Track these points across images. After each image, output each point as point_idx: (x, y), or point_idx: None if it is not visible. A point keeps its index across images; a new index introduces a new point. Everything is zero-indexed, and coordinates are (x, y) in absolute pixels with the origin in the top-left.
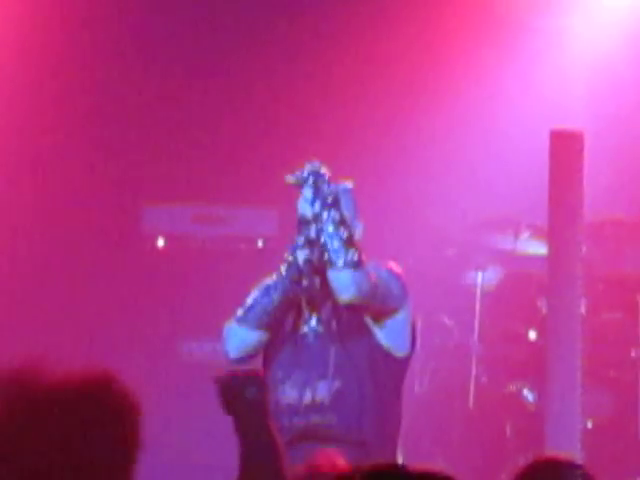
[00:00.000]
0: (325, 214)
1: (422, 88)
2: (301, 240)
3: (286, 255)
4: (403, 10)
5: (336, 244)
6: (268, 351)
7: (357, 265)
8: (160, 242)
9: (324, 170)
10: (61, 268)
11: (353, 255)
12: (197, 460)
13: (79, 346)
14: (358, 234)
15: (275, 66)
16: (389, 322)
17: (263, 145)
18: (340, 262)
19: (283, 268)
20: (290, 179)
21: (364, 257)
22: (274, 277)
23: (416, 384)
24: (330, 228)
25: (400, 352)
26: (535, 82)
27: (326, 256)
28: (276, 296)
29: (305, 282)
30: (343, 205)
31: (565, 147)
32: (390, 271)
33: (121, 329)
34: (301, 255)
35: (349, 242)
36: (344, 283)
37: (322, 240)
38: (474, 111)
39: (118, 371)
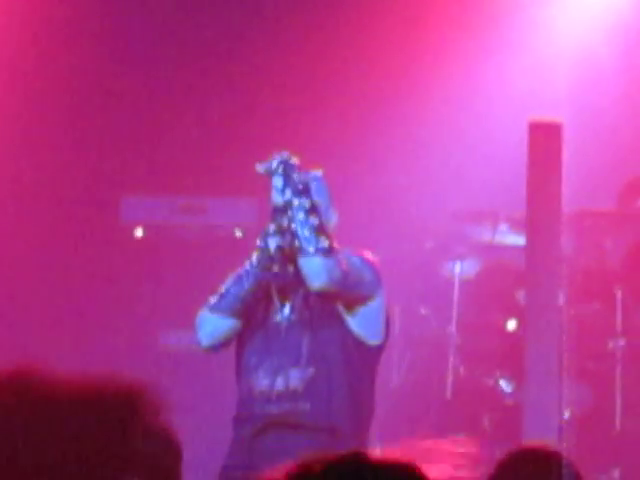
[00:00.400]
0: (296, 201)
1: (403, 81)
2: (272, 228)
3: (258, 242)
4: (386, 5)
5: (307, 232)
6: (241, 338)
7: (328, 252)
8: (138, 232)
9: (294, 160)
10: (38, 259)
11: (324, 242)
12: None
13: (57, 337)
14: (333, 222)
15: (255, 58)
16: (362, 310)
17: (242, 135)
18: (311, 249)
19: (254, 255)
20: (260, 168)
21: (336, 245)
22: (246, 265)
23: (394, 374)
24: (300, 215)
25: (373, 340)
26: (514, 74)
27: (297, 243)
28: (248, 284)
29: (276, 269)
30: (316, 193)
31: (544, 138)
32: (363, 259)
33: (99, 319)
34: (272, 242)
35: (320, 229)
36: (315, 270)
37: (293, 227)
38: (454, 103)
39: (97, 361)
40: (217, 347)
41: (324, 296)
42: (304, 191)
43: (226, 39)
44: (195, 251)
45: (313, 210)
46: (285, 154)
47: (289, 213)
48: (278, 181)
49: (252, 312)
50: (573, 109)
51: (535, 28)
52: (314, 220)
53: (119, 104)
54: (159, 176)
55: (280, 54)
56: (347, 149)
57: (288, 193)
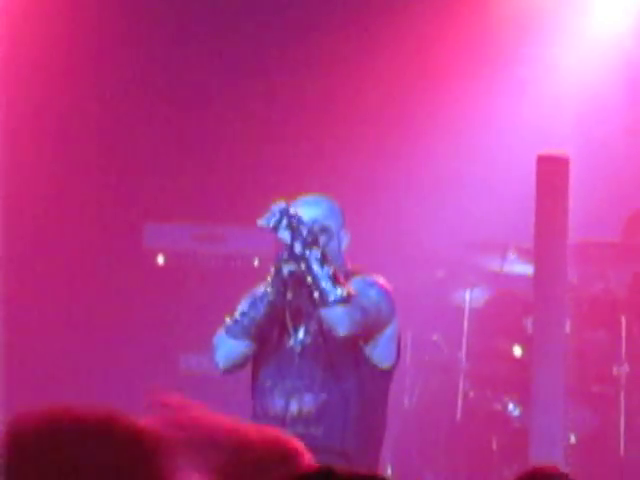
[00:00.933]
0: (307, 253)
1: (417, 115)
2: (285, 254)
3: (271, 268)
4: (403, 40)
5: (324, 283)
6: (256, 361)
7: (347, 300)
8: (160, 259)
9: (293, 210)
10: (63, 283)
11: (342, 291)
12: None
13: (80, 359)
14: (345, 244)
15: (274, 92)
16: (378, 337)
17: (260, 168)
18: (331, 299)
19: (269, 280)
20: (262, 223)
21: (351, 290)
22: (261, 289)
23: (405, 398)
24: (315, 267)
25: (386, 364)
26: (524, 109)
27: (316, 295)
28: (262, 307)
29: (290, 295)
30: (330, 217)
31: (551, 171)
32: (378, 288)
33: (121, 343)
34: (286, 268)
35: (335, 279)
36: (338, 319)
37: (309, 280)
38: (465, 137)
39: (119, 384)
40: (232, 369)
41: (348, 339)
42: (314, 242)
43: (245, 74)
44: (214, 278)
45: (325, 259)
46: (283, 205)
47: (302, 265)
48: (285, 235)
49: (267, 335)
50: (579, 143)
51: (543, 65)
52: (328, 269)
53: (144, 135)
54: (181, 204)
55: (298, 87)
56: (363, 178)
57: (298, 247)
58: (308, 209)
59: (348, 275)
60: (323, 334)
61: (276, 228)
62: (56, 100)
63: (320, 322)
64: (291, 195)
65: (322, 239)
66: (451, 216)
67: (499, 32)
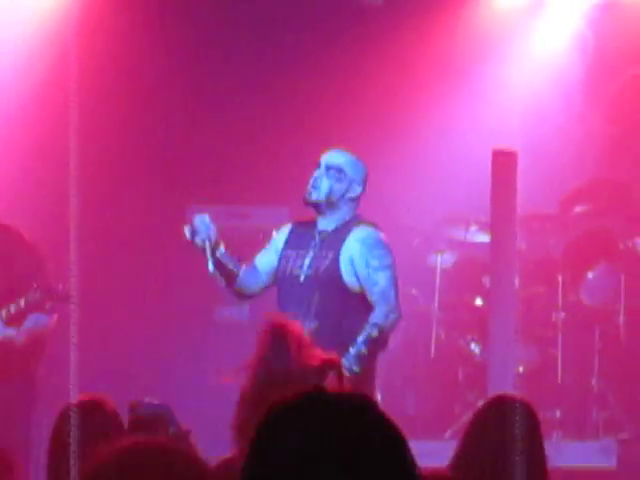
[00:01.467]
0: None
1: (398, 116)
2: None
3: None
4: (390, 60)
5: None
6: (278, 287)
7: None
8: None
9: None
10: (119, 255)
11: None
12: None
13: (135, 319)
14: (355, 194)
15: (299, 99)
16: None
17: (278, 158)
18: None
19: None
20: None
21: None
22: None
23: (390, 340)
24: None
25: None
26: (481, 114)
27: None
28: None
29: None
30: (348, 165)
31: (503, 162)
32: (382, 250)
33: (169, 301)
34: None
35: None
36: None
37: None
38: (436, 134)
39: (168, 335)
40: (247, 295)
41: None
42: None
43: (278, 80)
44: (242, 246)
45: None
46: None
47: None
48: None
49: (284, 265)
50: (525, 140)
51: (497, 79)
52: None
53: (188, 129)
54: (216, 188)
55: (314, 91)
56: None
57: None
58: (336, 155)
59: (355, 221)
60: (323, 269)
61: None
62: (118, 107)
63: (321, 259)
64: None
65: (334, 177)
66: (425, 197)
67: (462, 53)
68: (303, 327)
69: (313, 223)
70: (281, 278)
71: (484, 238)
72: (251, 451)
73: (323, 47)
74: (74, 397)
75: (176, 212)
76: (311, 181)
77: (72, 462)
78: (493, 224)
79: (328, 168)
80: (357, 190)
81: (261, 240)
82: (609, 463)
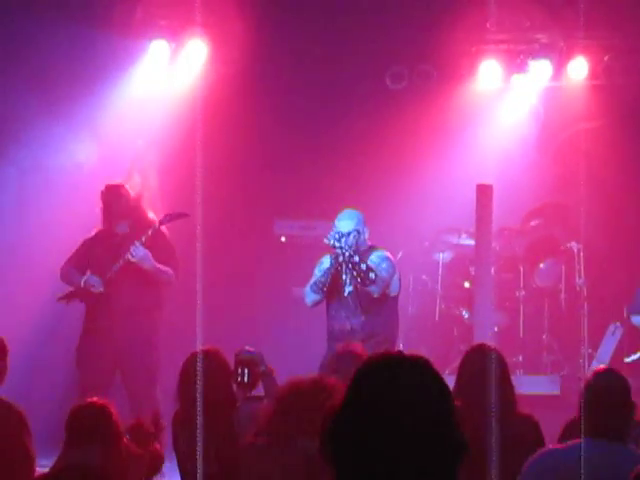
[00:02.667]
0: (350, 258)
1: (411, 164)
2: (338, 244)
3: (332, 254)
4: (401, 128)
5: (362, 273)
6: (328, 300)
7: (374, 280)
8: (283, 239)
9: (341, 241)
10: (225, 256)
11: (372, 274)
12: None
13: (237, 298)
14: (367, 234)
15: (345, 146)
16: (390, 283)
17: (340, 185)
18: (367, 283)
19: (330, 260)
20: (325, 241)
21: (376, 273)
22: (326, 261)
23: (409, 308)
24: (356, 266)
25: (394, 293)
26: (468, 161)
27: (359, 280)
28: (328, 276)
29: (343, 270)
30: (358, 224)
31: (483, 192)
32: (387, 260)
33: (259, 287)
34: (340, 257)
35: (367, 269)
36: (373, 291)
37: (354, 273)
38: (438, 175)
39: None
40: (314, 306)
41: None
42: (354, 253)
43: (341, 134)
44: (311, 250)
45: (360, 261)
46: (337, 235)
47: (350, 265)
48: (337, 249)
49: (332, 287)
50: (497, 177)
51: (478, 137)
52: (364, 265)
53: (275, 160)
54: (295, 207)
55: (358, 146)
56: (384, 193)
57: (345, 256)
58: (347, 222)
59: (371, 249)
60: (357, 287)
61: (332, 245)
62: (228, 148)
63: (356, 280)
64: (349, 196)
65: (355, 237)
66: (432, 216)
67: (453, 120)
68: (354, 321)
69: None
70: (332, 293)
71: (471, 242)
72: (349, 396)
73: (365, 115)
74: (199, 346)
75: (267, 223)
76: (340, 244)
77: (198, 391)
78: (477, 233)
79: (348, 234)
80: (365, 234)
81: (323, 247)
82: (555, 391)
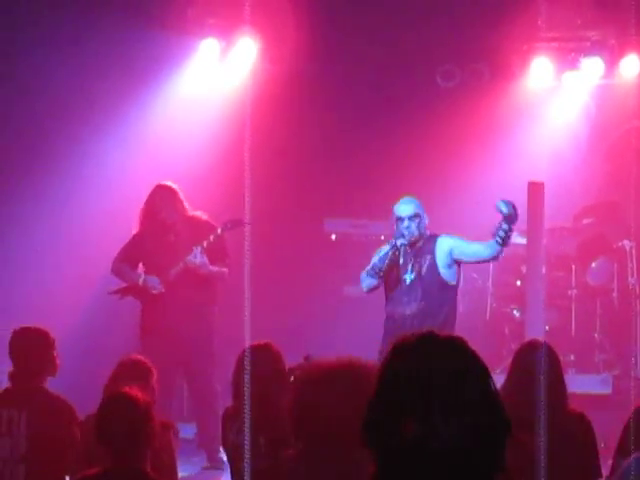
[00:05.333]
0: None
1: (465, 160)
2: (397, 233)
3: (392, 238)
4: (455, 125)
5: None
6: (386, 286)
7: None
8: (333, 237)
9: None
10: (276, 255)
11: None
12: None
13: (288, 296)
14: (427, 221)
15: (396, 145)
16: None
17: (384, 186)
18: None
19: (389, 246)
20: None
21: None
22: (385, 249)
23: (460, 305)
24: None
25: (452, 282)
26: (520, 158)
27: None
28: (386, 261)
29: (401, 254)
30: (418, 208)
31: (535, 190)
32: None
33: (312, 286)
34: (399, 241)
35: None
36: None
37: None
38: (492, 172)
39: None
40: (370, 291)
41: (433, 266)
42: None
43: (389, 134)
44: (361, 247)
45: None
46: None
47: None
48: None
49: (390, 273)
50: (549, 175)
51: (531, 134)
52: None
53: (325, 158)
54: (344, 206)
55: (410, 143)
56: (435, 191)
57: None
58: (407, 206)
59: (433, 236)
60: (420, 274)
61: (392, 245)
62: (279, 147)
63: (420, 265)
64: (399, 194)
65: (415, 221)
66: (484, 213)
67: (506, 118)
68: (414, 307)
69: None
70: (392, 279)
71: (522, 240)
72: (383, 379)
73: (416, 114)
74: (248, 342)
75: (316, 221)
76: (403, 230)
77: (247, 386)
78: (528, 231)
79: (410, 218)
80: (426, 220)
81: (373, 242)
82: (606, 390)
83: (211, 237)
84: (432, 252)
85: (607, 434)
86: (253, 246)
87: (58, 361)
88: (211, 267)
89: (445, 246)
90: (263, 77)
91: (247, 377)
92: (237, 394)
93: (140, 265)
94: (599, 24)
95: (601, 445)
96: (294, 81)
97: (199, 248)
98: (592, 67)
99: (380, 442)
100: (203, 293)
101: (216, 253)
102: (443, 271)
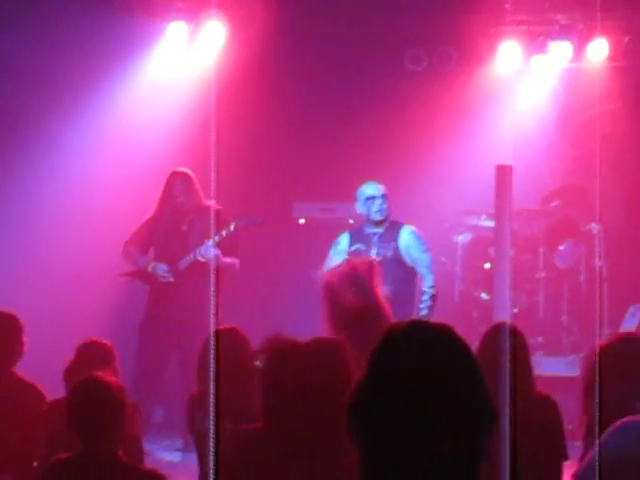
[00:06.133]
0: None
1: (432, 145)
2: (373, 207)
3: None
4: (422, 109)
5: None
6: None
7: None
8: (301, 220)
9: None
10: (245, 239)
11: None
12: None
13: (255, 280)
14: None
15: (362, 129)
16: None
17: (356, 169)
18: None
19: (346, 235)
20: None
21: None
22: (344, 241)
23: None
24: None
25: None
26: (488, 142)
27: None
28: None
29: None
30: (384, 190)
31: (503, 173)
32: (420, 239)
33: (277, 273)
34: (376, 215)
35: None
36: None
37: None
38: (460, 155)
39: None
40: None
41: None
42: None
43: (355, 120)
44: (330, 230)
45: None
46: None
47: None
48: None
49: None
50: (517, 158)
51: (498, 118)
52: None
53: (293, 142)
54: (313, 190)
55: (377, 128)
56: (403, 175)
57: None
58: (377, 186)
59: (397, 223)
60: (385, 258)
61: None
62: (248, 129)
63: (384, 252)
64: (367, 178)
65: (385, 202)
66: (452, 197)
67: (473, 101)
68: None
69: (362, 229)
70: None
71: (490, 223)
72: (373, 365)
73: (384, 97)
74: (213, 326)
75: (286, 206)
76: (376, 208)
77: (213, 370)
78: (496, 214)
79: (383, 196)
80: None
81: (342, 225)
82: (574, 373)
83: (224, 232)
84: (396, 240)
85: (574, 416)
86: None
87: (25, 348)
88: (223, 260)
89: (406, 240)
90: (231, 60)
91: (213, 361)
92: (202, 379)
93: (151, 251)
94: (567, 8)
95: (568, 427)
96: (262, 64)
97: (211, 242)
98: (560, 51)
99: (370, 426)
100: (209, 284)
101: (229, 246)
102: (406, 258)
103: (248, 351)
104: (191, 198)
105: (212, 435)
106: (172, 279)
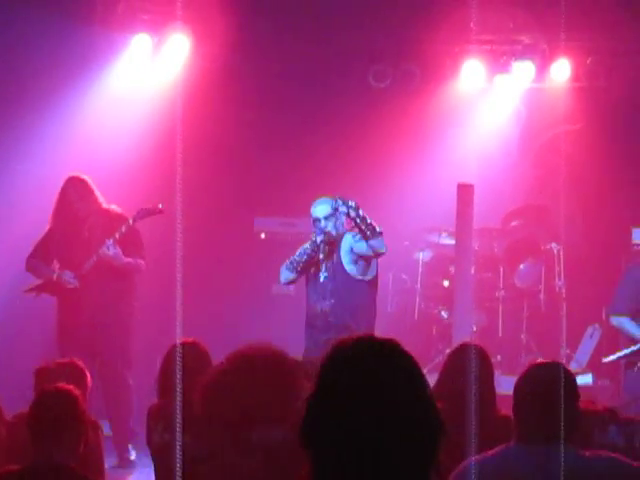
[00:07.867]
0: (356, 216)
1: (393, 162)
2: (317, 230)
3: (312, 236)
4: (385, 126)
5: (370, 227)
6: (307, 284)
7: (381, 233)
8: (262, 235)
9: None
10: (205, 253)
11: (379, 228)
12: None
13: (215, 295)
14: (343, 220)
15: (323, 145)
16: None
17: (313, 185)
18: (377, 232)
19: (309, 243)
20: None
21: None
22: (306, 246)
23: (388, 307)
24: (364, 221)
25: (363, 277)
26: (450, 160)
27: (368, 232)
28: (305, 256)
29: (321, 251)
30: (331, 208)
31: (464, 192)
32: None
33: (239, 283)
34: (318, 237)
35: (371, 223)
36: (381, 244)
37: (359, 223)
38: (420, 173)
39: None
40: (288, 284)
41: (342, 265)
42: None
43: (315, 134)
44: (290, 245)
45: (364, 218)
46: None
47: (357, 220)
48: (330, 221)
49: (309, 271)
50: (479, 178)
51: (461, 137)
52: (365, 218)
53: (255, 157)
54: (274, 205)
55: (339, 144)
56: (365, 191)
57: (352, 214)
58: (322, 207)
59: (343, 235)
60: (334, 270)
61: (313, 242)
62: (210, 144)
63: (334, 264)
64: (328, 193)
65: (334, 219)
66: (413, 214)
67: (436, 120)
68: (324, 304)
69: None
70: (310, 277)
71: (451, 241)
72: (320, 382)
73: (347, 113)
74: (179, 339)
75: (248, 220)
76: (321, 229)
77: (177, 382)
78: (457, 232)
79: (325, 218)
80: (342, 219)
81: (303, 240)
82: None
83: (123, 228)
84: (337, 251)
85: None
86: (184, 245)
87: None
88: (125, 259)
89: (346, 244)
90: (195, 73)
91: (179, 374)
92: (163, 392)
93: (55, 261)
94: (531, 28)
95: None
96: (226, 78)
97: (111, 240)
98: (523, 70)
99: (321, 442)
100: (118, 285)
101: (130, 245)
102: (349, 267)
103: (209, 364)
104: (87, 203)
105: (178, 447)
106: (78, 285)
